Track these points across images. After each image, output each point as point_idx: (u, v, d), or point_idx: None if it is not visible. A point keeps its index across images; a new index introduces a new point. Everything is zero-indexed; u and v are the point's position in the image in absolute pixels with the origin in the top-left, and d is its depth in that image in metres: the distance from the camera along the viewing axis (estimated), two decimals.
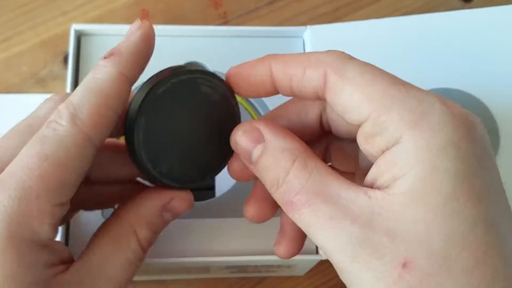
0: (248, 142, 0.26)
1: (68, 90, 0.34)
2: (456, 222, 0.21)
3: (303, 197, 0.23)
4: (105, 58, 0.25)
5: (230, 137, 0.27)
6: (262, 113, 0.36)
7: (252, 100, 0.36)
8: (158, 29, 0.37)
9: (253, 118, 0.36)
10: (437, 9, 0.48)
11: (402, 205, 0.21)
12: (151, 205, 0.28)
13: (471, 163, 0.21)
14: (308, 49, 0.37)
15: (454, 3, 0.49)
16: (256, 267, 0.36)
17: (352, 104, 0.23)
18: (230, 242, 0.33)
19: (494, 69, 0.37)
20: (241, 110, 0.35)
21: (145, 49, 0.27)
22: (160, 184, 0.28)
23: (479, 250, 0.21)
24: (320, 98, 0.25)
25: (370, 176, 0.23)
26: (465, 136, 0.22)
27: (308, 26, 0.37)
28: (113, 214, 0.28)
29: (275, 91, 0.26)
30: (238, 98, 0.36)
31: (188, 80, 0.27)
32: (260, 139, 0.25)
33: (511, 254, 0.21)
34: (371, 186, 0.23)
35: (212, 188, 0.36)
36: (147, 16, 0.47)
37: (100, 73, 0.25)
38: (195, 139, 0.28)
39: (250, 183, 0.29)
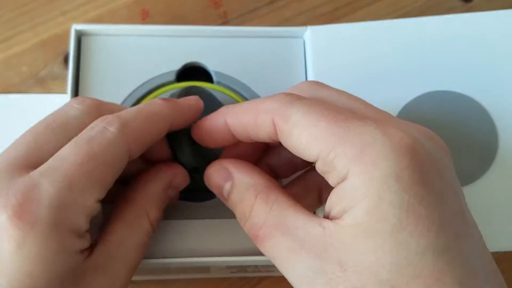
0: (219, 180, 0.28)
1: (68, 90, 0.34)
2: (404, 252, 0.21)
3: (266, 231, 0.25)
4: (163, 99, 0.29)
5: (204, 176, 0.29)
6: None
7: (249, 98, 0.36)
8: (158, 29, 0.37)
9: None
10: (436, 8, 0.48)
11: (352, 237, 0.22)
12: (157, 185, 0.30)
13: (415, 192, 0.22)
14: (308, 50, 0.37)
15: (454, 2, 0.49)
16: (256, 267, 0.36)
17: (302, 146, 0.24)
18: (231, 243, 0.33)
19: (493, 72, 0.37)
20: None
21: (191, 116, 0.30)
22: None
23: (430, 278, 0.21)
24: (275, 141, 0.26)
25: (326, 208, 0.25)
26: (407, 166, 0.22)
27: (309, 27, 0.37)
28: (122, 197, 0.29)
29: (235, 140, 0.28)
30: (238, 98, 0.36)
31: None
32: (228, 177, 0.28)
33: (471, 277, 0.22)
34: (327, 217, 0.24)
35: None
36: (147, 16, 0.47)
37: (153, 107, 0.29)
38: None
39: None
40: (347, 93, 0.27)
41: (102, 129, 0.26)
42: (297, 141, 0.24)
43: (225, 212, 0.33)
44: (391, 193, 0.22)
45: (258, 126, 0.26)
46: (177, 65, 0.36)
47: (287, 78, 0.37)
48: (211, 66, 0.37)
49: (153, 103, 0.29)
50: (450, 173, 0.24)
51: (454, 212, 0.23)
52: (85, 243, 0.26)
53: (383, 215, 0.22)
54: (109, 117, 0.27)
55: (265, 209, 0.25)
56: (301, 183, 0.31)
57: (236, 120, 0.27)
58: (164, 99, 0.29)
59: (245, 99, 0.36)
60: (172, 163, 0.31)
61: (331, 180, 0.24)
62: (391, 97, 0.36)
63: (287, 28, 0.38)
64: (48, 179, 0.24)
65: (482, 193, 0.35)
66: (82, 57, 0.36)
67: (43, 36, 0.46)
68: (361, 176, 0.22)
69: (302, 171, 0.31)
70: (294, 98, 0.25)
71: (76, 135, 0.26)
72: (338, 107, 0.25)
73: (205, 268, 0.36)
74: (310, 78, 0.37)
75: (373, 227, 0.22)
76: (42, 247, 0.24)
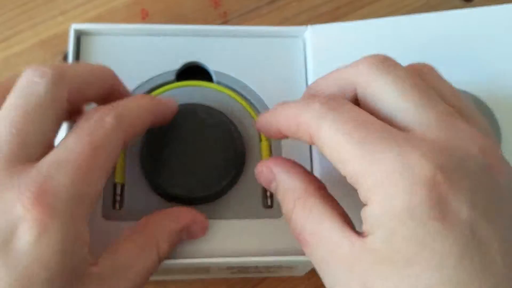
0: (265, 180, 0.30)
1: None
2: (418, 284, 0.22)
3: (304, 237, 0.26)
4: (145, 95, 0.32)
5: (255, 171, 0.31)
6: (262, 111, 0.36)
7: (252, 100, 0.36)
8: (158, 28, 0.37)
9: (252, 117, 0.35)
10: (437, 8, 0.48)
11: (374, 261, 0.23)
12: (174, 223, 0.30)
13: (429, 228, 0.22)
14: (309, 49, 0.37)
15: (455, 2, 0.49)
16: (257, 268, 0.36)
17: (331, 161, 0.25)
18: (231, 243, 0.33)
19: (494, 68, 0.37)
20: (242, 110, 0.35)
21: (169, 114, 0.32)
22: (161, 191, 0.32)
23: None
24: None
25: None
26: (423, 201, 0.22)
27: (309, 26, 0.37)
28: (138, 224, 0.30)
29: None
30: (238, 98, 0.36)
31: (186, 107, 0.34)
32: (273, 178, 0.29)
33: None
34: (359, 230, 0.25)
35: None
36: (147, 15, 0.47)
37: (141, 100, 0.30)
38: (196, 156, 0.33)
39: (250, 187, 0.34)
40: (412, 80, 0.26)
41: (100, 120, 0.27)
42: (328, 157, 0.25)
43: (226, 213, 0.33)
44: (404, 228, 0.22)
45: (301, 137, 0.27)
46: (177, 65, 0.36)
47: (287, 77, 0.37)
48: (211, 66, 0.37)
49: (140, 97, 0.31)
50: (487, 197, 0.23)
51: (479, 245, 0.22)
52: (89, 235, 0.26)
53: (398, 248, 0.22)
54: (104, 108, 0.28)
55: (303, 215, 0.26)
56: None
57: (284, 129, 0.28)
58: (146, 95, 0.31)
59: (245, 98, 0.36)
60: (195, 210, 0.32)
61: (360, 197, 0.24)
62: None
63: (287, 28, 0.38)
64: (60, 171, 0.25)
65: None
66: (81, 56, 0.36)
67: (42, 36, 0.46)
68: (378, 206, 0.23)
69: None
70: (325, 110, 0.25)
71: (54, 113, 0.26)
72: (371, 120, 0.25)
73: (204, 269, 0.36)
74: (310, 77, 0.37)
75: (389, 256, 0.22)
76: (61, 238, 0.24)
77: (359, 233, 0.24)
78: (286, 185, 0.28)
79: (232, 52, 0.37)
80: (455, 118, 0.25)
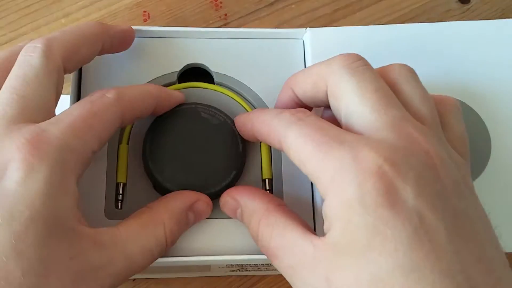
0: (230, 208, 0.32)
1: (71, 90, 0.35)
2: (376, 270, 0.23)
3: (272, 252, 0.28)
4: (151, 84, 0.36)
5: (220, 202, 0.32)
6: None
7: (253, 102, 0.37)
8: (160, 30, 0.37)
9: None
10: (434, 10, 0.49)
11: (334, 255, 0.24)
12: (180, 201, 0.31)
13: (379, 215, 0.23)
14: (308, 51, 0.38)
15: (451, 4, 0.49)
16: (256, 266, 0.37)
17: (295, 162, 0.27)
18: (231, 241, 0.33)
19: (486, 79, 0.37)
20: (242, 111, 0.36)
21: (173, 103, 0.35)
22: (163, 190, 0.33)
23: None
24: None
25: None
26: (370, 189, 0.23)
27: (308, 29, 0.38)
28: (145, 207, 0.31)
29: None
30: (239, 99, 0.36)
31: (188, 108, 0.34)
32: (237, 205, 0.31)
33: None
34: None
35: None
36: (148, 18, 0.48)
37: (145, 86, 0.34)
38: (197, 156, 0.33)
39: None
40: (376, 84, 0.28)
41: (101, 95, 0.29)
42: (293, 159, 0.28)
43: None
44: (357, 216, 0.23)
45: (271, 142, 0.30)
46: (178, 66, 0.37)
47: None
48: (212, 67, 0.37)
49: (145, 84, 0.35)
50: (431, 188, 0.24)
51: (427, 231, 0.23)
52: (78, 194, 0.27)
53: (354, 236, 0.24)
54: (108, 89, 0.30)
55: (268, 232, 0.28)
56: None
57: (257, 133, 0.31)
58: (152, 84, 0.34)
59: (246, 99, 0.37)
60: (199, 192, 0.33)
61: (320, 195, 0.26)
62: None
63: (287, 30, 0.38)
64: (55, 126, 0.27)
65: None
66: None
67: None
68: (333, 200, 0.25)
69: None
70: (293, 119, 0.28)
71: (50, 82, 0.29)
72: (329, 127, 0.27)
73: (205, 267, 0.36)
74: None
75: (348, 246, 0.24)
76: (47, 181, 0.25)
77: (321, 235, 0.26)
78: (249, 208, 0.30)
79: (233, 54, 0.37)
80: (407, 123, 0.26)
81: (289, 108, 0.30)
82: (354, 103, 0.27)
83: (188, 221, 0.32)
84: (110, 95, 0.29)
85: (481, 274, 0.23)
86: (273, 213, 0.29)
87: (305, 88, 0.30)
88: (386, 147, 0.25)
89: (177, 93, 0.34)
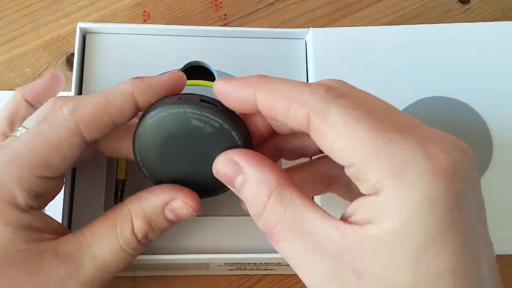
0: (229, 173, 0.27)
1: (73, 88, 0.35)
2: (424, 272, 0.22)
3: (280, 231, 0.25)
4: (133, 78, 0.29)
5: (212, 167, 0.28)
6: None
7: None
8: (162, 28, 0.37)
9: None
10: (434, 10, 0.49)
11: (373, 248, 0.22)
12: (153, 200, 0.29)
13: (448, 219, 0.22)
14: (310, 52, 0.38)
15: (451, 4, 0.49)
16: (255, 265, 0.37)
17: (336, 149, 0.23)
18: (230, 240, 0.33)
19: (488, 79, 0.38)
20: None
21: (166, 90, 0.29)
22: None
23: None
24: (304, 133, 0.25)
25: (348, 211, 0.24)
26: (444, 192, 0.22)
27: (311, 29, 0.38)
28: (118, 204, 0.30)
29: (255, 110, 0.27)
30: None
31: (176, 114, 0.27)
32: (239, 171, 0.26)
33: None
34: (346, 219, 0.24)
35: None
36: (148, 17, 0.48)
37: (116, 87, 0.29)
38: (196, 153, 0.29)
39: None
40: (372, 96, 0.26)
41: (58, 111, 0.28)
42: (332, 144, 0.23)
43: (225, 210, 0.34)
44: (423, 217, 0.22)
45: (290, 116, 0.25)
46: (180, 64, 0.37)
47: (288, 78, 0.37)
48: (213, 66, 0.37)
49: (118, 86, 0.29)
50: (479, 191, 0.24)
51: (479, 236, 0.23)
52: (36, 221, 0.27)
53: (411, 236, 0.22)
54: (65, 98, 0.29)
55: (280, 209, 0.25)
56: (310, 169, 0.30)
57: (267, 100, 0.25)
58: (132, 78, 0.29)
59: None
60: (183, 188, 0.30)
61: (362, 188, 0.23)
62: (389, 101, 0.37)
63: (289, 30, 0.38)
64: None
65: None
66: (86, 55, 0.36)
67: (45, 38, 0.46)
68: (395, 195, 0.22)
69: (314, 157, 0.31)
70: (334, 95, 0.24)
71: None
72: (378, 112, 0.24)
73: (204, 265, 0.36)
74: (311, 79, 0.37)
75: (398, 244, 0.22)
76: None
77: (343, 219, 0.24)
78: (257, 178, 0.26)
79: (235, 52, 0.38)
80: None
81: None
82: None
83: (166, 220, 0.30)
84: (66, 110, 0.28)
85: None
86: (288, 188, 0.25)
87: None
88: (453, 146, 0.23)
89: (172, 78, 0.30)
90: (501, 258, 0.42)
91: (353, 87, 0.26)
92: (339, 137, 0.23)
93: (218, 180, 0.28)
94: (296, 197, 0.25)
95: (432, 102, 0.37)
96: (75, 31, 0.36)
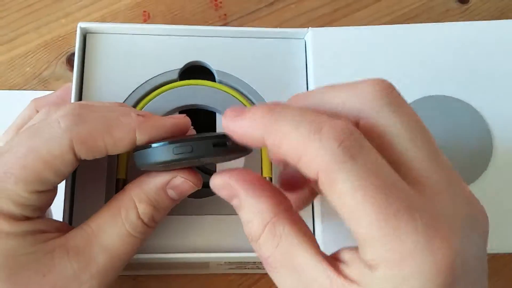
0: (225, 195, 0.26)
1: (73, 87, 0.35)
2: None
3: (272, 263, 0.24)
4: (139, 114, 0.29)
5: (210, 183, 0.27)
6: None
7: (254, 100, 0.37)
8: (163, 28, 0.38)
9: None
10: (433, 10, 0.49)
11: None
12: (153, 181, 0.30)
13: None
14: (309, 51, 0.38)
15: (450, 4, 0.50)
16: (255, 264, 0.37)
17: (341, 214, 0.23)
18: (230, 239, 0.34)
19: (488, 78, 0.38)
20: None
21: (170, 134, 0.30)
22: None
23: None
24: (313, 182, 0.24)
25: (343, 256, 0.24)
26: (437, 285, 0.21)
27: (310, 28, 0.38)
28: (117, 193, 0.30)
29: (263, 145, 0.25)
30: (239, 97, 0.36)
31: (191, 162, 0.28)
32: (234, 195, 0.26)
33: None
34: (339, 266, 0.23)
35: None
36: (148, 17, 0.48)
37: (120, 117, 0.29)
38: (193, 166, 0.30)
39: None
40: (417, 128, 0.24)
41: (55, 123, 0.28)
42: (338, 209, 0.22)
43: (225, 209, 0.34)
44: None
45: (300, 166, 0.23)
46: (180, 64, 0.37)
47: (288, 78, 0.38)
48: (213, 65, 0.37)
49: (127, 114, 0.29)
50: (483, 278, 0.23)
51: None
52: (38, 225, 0.28)
53: None
54: (66, 110, 0.29)
55: (273, 242, 0.24)
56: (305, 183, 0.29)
57: (276, 149, 0.23)
58: (138, 114, 0.30)
59: (247, 98, 0.37)
60: (186, 169, 0.30)
61: (361, 254, 0.23)
62: None
63: (289, 30, 0.38)
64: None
65: (476, 196, 0.35)
66: (86, 54, 0.36)
67: (46, 37, 0.47)
68: (385, 277, 0.22)
69: None
70: (346, 155, 0.22)
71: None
72: (391, 179, 0.22)
73: (204, 264, 0.36)
74: (310, 78, 0.37)
75: None
76: None
77: (334, 264, 0.23)
78: (253, 207, 0.25)
79: (235, 52, 0.38)
80: (456, 175, 0.24)
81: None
82: (407, 145, 0.23)
83: (169, 198, 0.30)
84: (63, 123, 0.28)
85: None
86: (282, 223, 0.24)
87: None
88: (456, 229, 0.22)
89: (169, 122, 0.30)
90: (501, 257, 0.42)
91: (364, 139, 0.23)
92: (345, 208, 0.22)
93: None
94: (289, 231, 0.24)
95: (432, 101, 0.37)
96: (76, 31, 0.36)
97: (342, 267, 0.23)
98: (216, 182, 0.26)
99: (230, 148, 0.27)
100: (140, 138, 0.29)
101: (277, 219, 0.24)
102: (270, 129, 0.23)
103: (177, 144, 0.27)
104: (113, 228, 0.29)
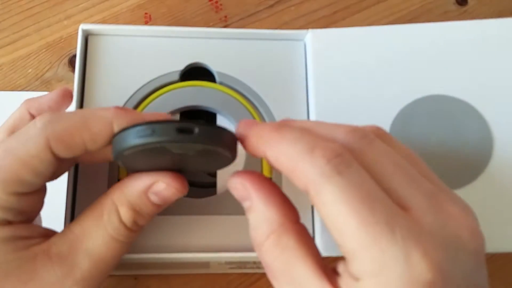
0: (239, 195, 0.27)
1: (75, 88, 0.35)
2: None
3: (272, 270, 0.25)
4: (117, 107, 0.28)
5: (227, 183, 0.27)
6: (263, 112, 0.37)
7: (254, 101, 0.37)
8: (164, 30, 0.38)
9: (254, 117, 0.36)
10: (432, 12, 0.49)
11: None
12: (135, 185, 0.29)
13: None
14: (309, 52, 0.38)
15: (449, 6, 0.50)
16: (255, 263, 0.37)
17: (326, 224, 0.23)
18: (230, 239, 0.34)
19: (487, 77, 0.38)
20: (243, 110, 0.36)
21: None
22: None
23: None
24: None
25: (339, 267, 0.24)
26: None
27: (310, 30, 0.38)
28: (100, 197, 0.30)
29: None
30: (240, 98, 0.37)
31: (156, 147, 0.25)
32: (247, 197, 0.26)
33: None
34: (335, 278, 0.24)
35: (213, 185, 0.37)
36: (150, 19, 0.48)
37: (98, 110, 0.28)
38: (182, 168, 0.29)
39: None
40: (397, 162, 0.25)
41: (32, 124, 0.28)
42: (324, 220, 0.23)
43: (225, 209, 0.34)
44: None
45: (292, 178, 0.24)
46: (181, 65, 0.37)
47: (288, 79, 0.38)
48: (214, 67, 0.37)
49: (101, 109, 0.29)
50: None
51: None
52: (19, 230, 0.27)
53: None
54: (45, 113, 0.28)
55: (275, 251, 0.25)
56: None
57: (275, 162, 0.25)
58: (117, 107, 0.29)
59: (247, 99, 0.37)
60: (169, 172, 0.29)
61: (347, 266, 0.23)
62: (388, 100, 0.37)
63: (288, 31, 0.39)
64: None
65: (475, 196, 0.35)
66: (88, 56, 0.37)
67: (48, 39, 0.47)
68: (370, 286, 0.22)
69: None
70: (334, 170, 0.23)
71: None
72: (375, 194, 0.23)
73: (204, 264, 0.36)
74: (310, 80, 0.37)
75: None
76: None
77: (332, 277, 0.24)
78: (261, 214, 0.26)
79: (235, 54, 0.38)
80: (442, 198, 0.24)
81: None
82: (391, 172, 0.24)
83: (152, 203, 0.29)
84: (39, 123, 0.27)
85: None
86: (287, 234, 0.25)
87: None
88: (438, 245, 0.22)
89: (149, 116, 0.29)
90: (499, 257, 0.42)
91: (354, 160, 0.24)
92: (329, 219, 0.23)
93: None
94: (293, 244, 0.25)
95: (431, 101, 0.37)
96: (78, 32, 0.36)
97: (338, 279, 0.24)
98: (233, 181, 0.27)
99: (197, 136, 0.25)
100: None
101: (283, 229, 0.25)
102: (272, 145, 0.25)
103: (139, 128, 0.25)
104: (97, 232, 0.28)
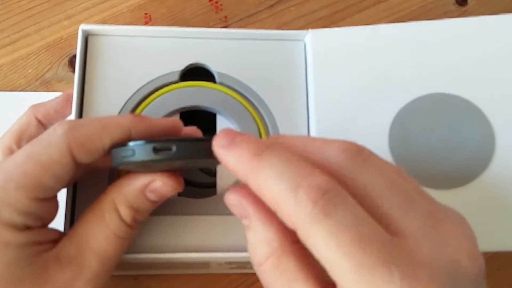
0: (237, 213, 0.26)
1: (75, 89, 0.35)
2: None
3: None
4: (134, 115, 0.30)
5: (224, 198, 0.27)
6: (263, 112, 0.37)
7: (254, 101, 0.37)
8: (164, 30, 0.38)
9: (253, 117, 0.36)
10: (432, 12, 0.49)
11: None
12: (133, 185, 0.30)
13: None
14: (309, 52, 0.38)
15: (448, 6, 0.50)
16: None
17: (319, 260, 0.23)
18: (230, 239, 0.34)
19: (489, 74, 0.38)
20: (243, 110, 0.36)
21: (163, 136, 0.31)
22: None
23: None
24: None
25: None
26: None
27: (310, 30, 0.38)
28: (99, 196, 0.31)
29: None
30: (240, 98, 0.37)
31: (139, 163, 0.27)
32: (246, 216, 0.26)
33: None
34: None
35: (213, 185, 0.37)
36: (150, 20, 0.48)
37: (115, 118, 0.30)
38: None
39: None
40: (392, 180, 0.24)
41: (52, 131, 0.29)
42: (318, 259, 0.23)
43: (225, 209, 0.34)
44: None
45: (278, 215, 0.24)
46: (181, 66, 0.37)
47: (288, 79, 0.38)
48: (214, 67, 0.37)
49: (122, 116, 0.30)
50: None
51: None
52: (36, 236, 0.28)
53: None
54: (63, 121, 0.29)
55: (274, 273, 0.24)
56: None
57: (257, 191, 0.24)
58: (135, 115, 0.30)
59: (247, 99, 0.37)
60: (168, 171, 0.30)
61: None
62: (390, 99, 0.37)
63: (288, 31, 0.39)
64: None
65: (477, 194, 0.35)
66: (88, 56, 0.37)
67: (48, 39, 0.47)
68: None
69: None
70: (321, 214, 0.22)
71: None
72: (368, 232, 0.22)
73: (204, 264, 0.37)
74: (310, 80, 0.37)
75: None
76: None
77: None
78: (260, 233, 0.25)
79: (235, 54, 0.38)
80: (438, 216, 0.24)
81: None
82: (384, 195, 0.24)
83: (150, 201, 0.30)
84: (60, 130, 0.29)
85: None
86: (286, 256, 0.24)
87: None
88: (437, 278, 0.22)
89: (162, 124, 0.31)
90: (500, 256, 0.43)
91: (343, 194, 0.23)
92: (322, 260, 0.22)
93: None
94: (293, 266, 0.24)
95: (433, 99, 0.37)
96: (78, 33, 0.36)
97: None
98: (230, 198, 0.26)
99: (175, 153, 0.26)
100: (135, 139, 0.29)
101: (282, 252, 0.24)
102: (253, 176, 0.24)
103: (123, 148, 0.27)
104: (100, 232, 0.29)
